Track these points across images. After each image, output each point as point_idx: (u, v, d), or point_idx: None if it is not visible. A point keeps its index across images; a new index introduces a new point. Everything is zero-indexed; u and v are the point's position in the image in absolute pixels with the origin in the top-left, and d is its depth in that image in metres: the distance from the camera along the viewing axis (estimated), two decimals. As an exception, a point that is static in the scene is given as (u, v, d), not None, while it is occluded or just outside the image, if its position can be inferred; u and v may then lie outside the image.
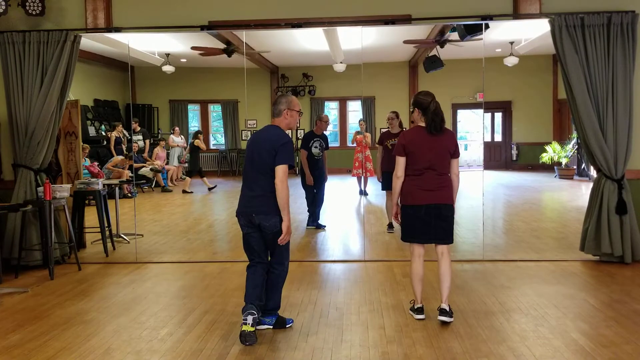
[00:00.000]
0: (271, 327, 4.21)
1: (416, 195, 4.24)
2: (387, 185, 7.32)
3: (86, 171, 9.79)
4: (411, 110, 4.38)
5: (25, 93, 6.22)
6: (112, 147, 11.26)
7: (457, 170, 4.35)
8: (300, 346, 3.89)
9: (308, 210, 8.16)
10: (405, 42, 9.14)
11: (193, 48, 8.88)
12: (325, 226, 8.11)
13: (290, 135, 4.20)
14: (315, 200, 8.09)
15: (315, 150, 7.94)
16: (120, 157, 10.83)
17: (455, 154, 4.32)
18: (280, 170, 3.92)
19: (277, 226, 3.99)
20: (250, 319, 3.90)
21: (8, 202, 6.11)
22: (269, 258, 4.18)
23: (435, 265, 4.44)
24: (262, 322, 4.18)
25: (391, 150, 6.73)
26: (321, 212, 8.27)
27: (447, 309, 4.22)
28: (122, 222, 7.80)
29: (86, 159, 10.20)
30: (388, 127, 7.58)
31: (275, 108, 4.13)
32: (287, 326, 4.24)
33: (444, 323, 4.21)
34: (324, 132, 8.15)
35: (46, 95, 6.18)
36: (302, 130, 10.18)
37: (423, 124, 4.28)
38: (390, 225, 7.69)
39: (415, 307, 4.40)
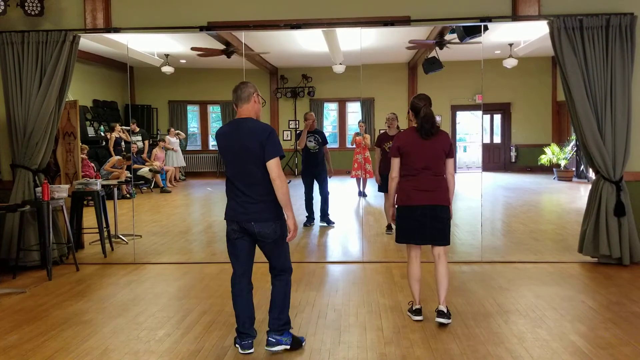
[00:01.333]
0: (288, 347, 3.76)
1: (412, 195, 4.25)
2: (384, 187, 7.33)
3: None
4: (408, 111, 4.44)
5: (23, 93, 6.22)
6: (111, 148, 11.25)
7: (452, 170, 4.37)
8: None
9: (306, 209, 8.23)
10: (409, 45, 9.18)
11: (193, 49, 8.88)
12: (334, 223, 8.28)
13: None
14: (317, 197, 8.21)
15: (310, 144, 8.12)
16: (117, 158, 10.82)
17: (450, 153, 4.34)
18: (274, 164, 3.56)
19: (277, 232, 3.65)
20: (248, 351, 3.74)
21: (6, 203, 6.10)
22: (270, 267, 3.88)
23: (433, 266, 4.44)
24: (279, 342, 3.75)
25: (388, 153, 6.73)
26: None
27: (445, 310, 4.23)
28: (121, 222, 7.79)
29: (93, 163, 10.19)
30: (386, 129, 7.57)
31: (243, 92, 3.69)
32: (302, 344, 3.87)
33: (441, 324, 4.21)
34: (318, 128, 8.36)
35: (45, 95, 6.18)
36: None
37: (418, 126, 4.32)
38: (389, 227, 7.69)
39: (413, 309, 4.40)
